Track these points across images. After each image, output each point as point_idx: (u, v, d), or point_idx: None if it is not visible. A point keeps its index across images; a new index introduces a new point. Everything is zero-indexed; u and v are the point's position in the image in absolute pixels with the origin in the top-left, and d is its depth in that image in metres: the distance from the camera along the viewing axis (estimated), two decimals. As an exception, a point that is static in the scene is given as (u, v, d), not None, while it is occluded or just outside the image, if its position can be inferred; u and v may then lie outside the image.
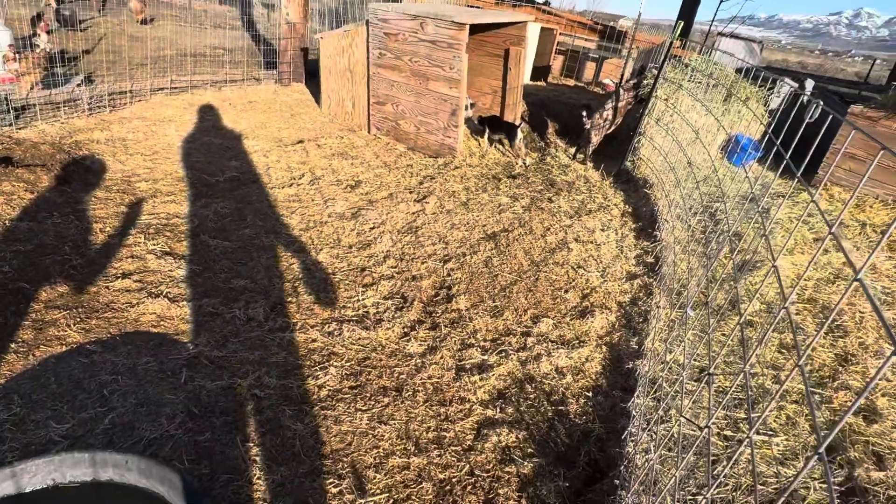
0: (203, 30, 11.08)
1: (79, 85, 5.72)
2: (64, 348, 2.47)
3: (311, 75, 7.68)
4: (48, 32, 6.34)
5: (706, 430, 1.54)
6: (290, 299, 3.10)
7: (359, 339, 2.86)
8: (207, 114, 5.88)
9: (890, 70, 15.73)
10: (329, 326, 2.92)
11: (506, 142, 6.09)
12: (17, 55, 5.22)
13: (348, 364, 2.68)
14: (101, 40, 8.39)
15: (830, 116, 1.46)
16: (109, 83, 5.98)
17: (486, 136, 6.14)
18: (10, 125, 4.53)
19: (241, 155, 5.00)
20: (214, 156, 4.88)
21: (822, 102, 1.71)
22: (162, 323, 2.75)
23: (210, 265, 3.29)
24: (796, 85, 7.46)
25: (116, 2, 12.57)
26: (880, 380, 3.20)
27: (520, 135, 5.90)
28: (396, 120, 5.98)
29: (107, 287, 2.93)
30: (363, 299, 3.20)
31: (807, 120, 1.72)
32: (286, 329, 2.85)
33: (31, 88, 5.24)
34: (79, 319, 2.67)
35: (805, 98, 1.97)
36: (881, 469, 2.51)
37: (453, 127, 5.55)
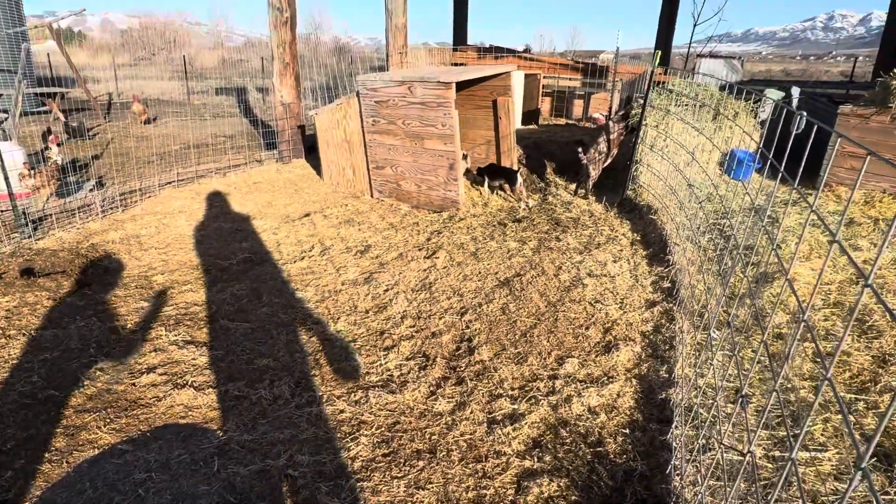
0: (204, 121, 11.58)
1: (91, 190, 5.96)
2: (96, 451, 2.48)
3: (311, 150, 7.94)
4: (58, 145, 6.66)
5: (749, 454, 1.50)
6: (313, 372, 3.11)
7: (386, 404, 2.85)
8: (215, 200, 6.07)
9: (874, 65, 15.92)
10: (355, 395, 2.91)
11: (507, 187, 6.19)
12: (31, 171, 5.47)
13: (378, 431, 2.65)
14: (108, 145, 8.79)
15: (816, 126, 1.50)
16: (119, 184, 6.23)
17: (486, 184, 6.25)
18: (30, 237, 4.70)
19: (251, 235, 5.12)
20: (226, 240, 5.00)
21: (805, 113, 1.75)
22: (190, 413, 2.75)
23: (232, 348, 3.32)
24: (781, 94, 7.57)
25: (120, 107, 13.22)
26: (924, 377, 3.10)
27: (520, 178, 6.01)
28: (397, 181, 6.12)
29: (133, 384, 2.96)
30: (385, 363, 3.19)
31: (794, 132, 1.76)
32: (313, 403, 2.84)
33: (47, 200, 5.46)
34: (109, 420, 2.69)
35: (790, 108, 2.01)
36: (943, 472, 2.40)
37: (453, 181, 5.67)
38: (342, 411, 2.79)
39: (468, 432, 2.65)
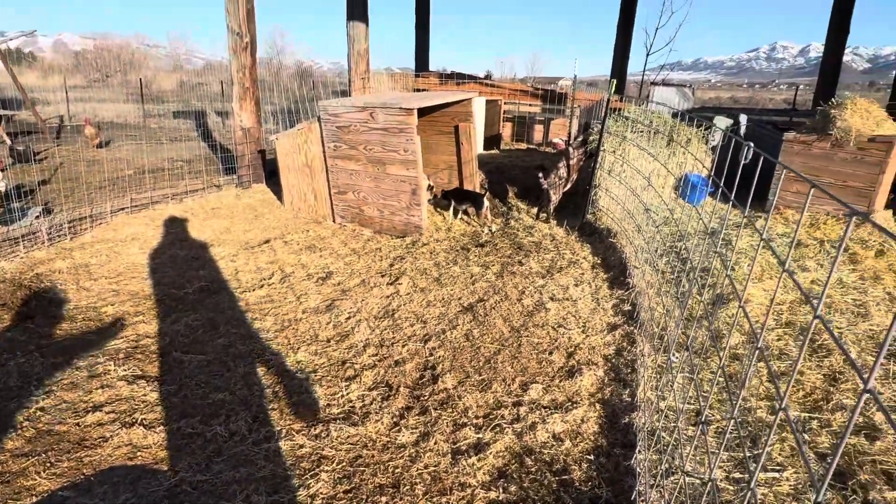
0: (160, 145, 11.31)
1: (37, 217, 5.70)
2: (35, 499, 2.32)
3: (271, 174, 7.83)
4: (2, 170, 6.37)
5: (710, 482, 1.51)
6: (272, 406, 3.00)
7: (348, 437, 2.76)
8: (171, 227, 5.89)
9: (813, 94, 16.87)
10: (315, 429, 2.81)
11: (471, 211, 6.22)
12: (-29, 197, 5.20)
13: (340, 466, 2.57)
14: (57, 170, 8.47)
15: (762, 157, 1.55)
16: (69, 210, 5.98)
17: (451, 209, 6.27)
18: (-33, 268, 4.44)
19: (208, 263, 4.97)
20: (181, 268, 4.84)
21: (752, 144, 1.82)
22: (139, 453, 2.61)
23: (185, 382, 3.18)
24: (730, 122, 7.91)
25: (71, 130, 12.79)
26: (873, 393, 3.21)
27: (485, 203, 6.06)
28: (359, 206, 6.08)
29: (77, 424, 2.80)
30: (347, 394, 3.11)
31: (742, 162, 1.82)
32: (271, 439, 2.73)
33: (-12, 228, 5.19)
34: (49, 464, 2.52)
35: (738, 138, 2.09)
36: (893, 488, 2.47)
37: (416, 206, 5.66)
38: (302, 446, 2.70)
39: (432, 464, 2.60)
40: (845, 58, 15.33)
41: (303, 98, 14.89)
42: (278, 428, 2.82)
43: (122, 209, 6.23)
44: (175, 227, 5.93)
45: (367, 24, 10.11)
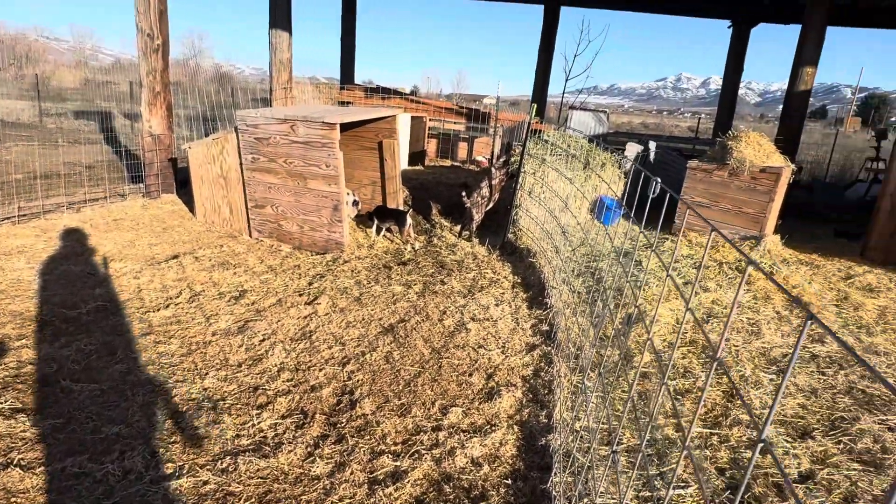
0: (56, 147, 10.40)
1: None
2: None
3: (183, 184, 7.40)
4: None
5: (620, 513, 1.54)
6: (174, 439, 2.78)
7: (257, 470, 2.61)
8: (65, 239, 5.40)
9: (714, 123, 18.30)
10: (222, 462, 2.64)
11: (394, 229, 6.17)
12: None
13: (248, 503, 2.41)
14: (-70, 171, 7.57)
15: (668, 195, 1.62)
16: (-59, 219, 5.34)
17: (374, 226, 6.19)
18: None
19: (106, 280, 4.59)
20: (75, 286, 4.43)
21: (659, 180, 1.91)
22: (13, 500, 2.32)
23: (74, 415, 2.89)
24: (641, 147, 8.40)
25: (-50, 127, 11.53)
26: (764, 409, 3.47)
27: (409, 220, 6.03)
28: (278, 221, 5.87)
29: (-61, 467, 2.46)
30: (258, 423, 2.95)
31: (651, 195, 1.90)
32: (171, 476, 2.53)
33: None
34: None
35: (647, 173, 2.20)
36: (783, 500, 2.65)
37: (337, 222, 5.54)
38: (206, 483, 2.51)
39: (347, 496, 2.50)
40: (740, 91, 16.78)
41: (221, 104, 14.27)
42: (180, 463, 2.62)
43: (8, 218, 5.64)
44: (70, 239, 5.44)
45: (291, 33, 9.87)
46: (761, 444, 0.85)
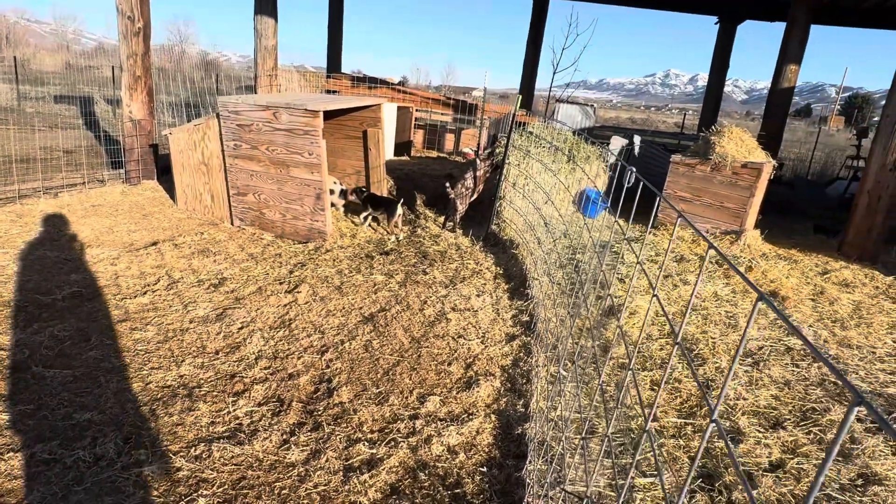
0: (34, 131, 10.19)
1: None
2: None
3: (164, 171, 7.29)
4: None
5: (586, 499, 1.55)
6: (148, 425, 2.76)
7: (232, 457, 2.60)
8: (41, 225, 5.30)
9: (699, 119, 18.44)
10: (196, 449, 2.62)
11: (380, 218, 6.14)
12: None
13: (221, 490, 2.40)
14: None
15: (642, 183, 1.62)
16: (-88, 202, 5.21)
17: (365, 214, 6.16)
18: None
19: (83, 267, 4.52)
20: (50, 272, 4.36)
21: (635, 170, 1.92)
22: (-20, 486, 2.29)
23: (45, 401, 2.85)
24: (626, 142, 8.43)
25: (-76, 109, 11.26)
26: (738, 399, 3.52)
27: (399, 210, 6.01)
28: (260, 209, 5.81)
29: None
30: (234, 410, 2.93)
31: (626, 185, 1.91)
32: (144, 463, 2.50)
33: None
34: None
35: (624, 164, 2.20)
36: (753, 487, 2.70)
37: (320, 210, 5.50)
38: (179, 469, 2.50)
39: (322, 483, 2.50)
40: (726, 88, 16.92)
41: (206, 91, 14.07)
42: (153, 450, 2.60)
43: (-18, 203, 5.53)
44: (47, 224, 5.34)
45: (276, 20, 9.74)
46: (712, 425, 0.86)
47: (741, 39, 15.35)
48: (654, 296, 1.33)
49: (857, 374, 3.83)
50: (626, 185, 1.92)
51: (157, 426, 2.76)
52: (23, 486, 2.31)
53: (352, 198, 6.46)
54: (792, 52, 9.11)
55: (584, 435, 1.82)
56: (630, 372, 1.57)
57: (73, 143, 9.41)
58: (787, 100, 9.64)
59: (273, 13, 9.62)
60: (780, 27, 9.84)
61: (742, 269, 5.76)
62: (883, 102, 6.88)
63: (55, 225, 5.36)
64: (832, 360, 4.04)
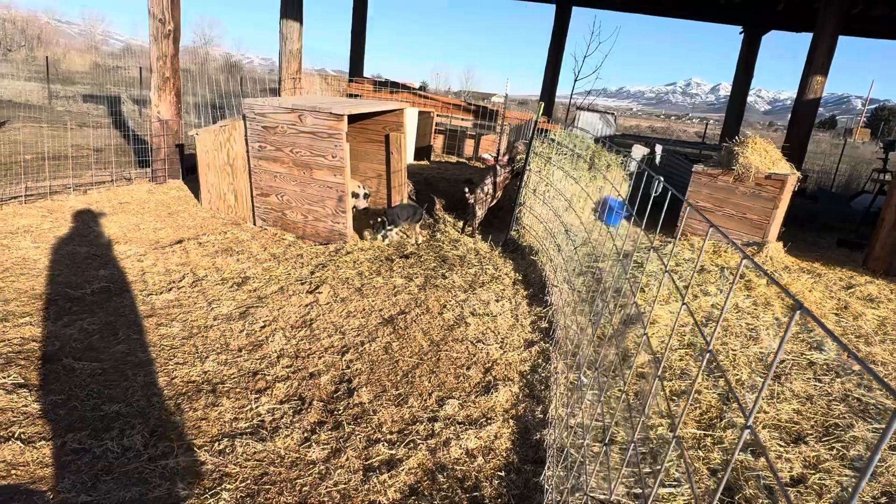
0: (66, 130, 10.44)
1: None
2: None
3: (190, 171, 7.43)
4: None
5: (609, 504, 1.56)
6: (173, 419, 2.82)
7: (254, 453, 2.64)
8: (71, 220, 5.44)
9: (721, 129, 18.28)
10: (219, 444, 2.67)
11: (405, 225, 6.14)
12: None
13: (243, 485, 2.44)
14: (-61, 149, 7.62)
15: (669, 192, 1.63)
16: (-51, 196, 5.38)
17: (382, 232, 5.85)
18: None
19: (111, 262, 4.63)
20: (80, 266, 4.47)
21: (662, 179, 1.93)
22: (13, 472, 2.36)
23: (75, 392, 2.93)
24: (647, 150, 8.39)
25: (-40, 106, 11.59)
26: (759, 413, 3.48)
27: (421, 217, 6.03)
28: (282, 210, 5.89)
29: (-59, 438, 2.50)
30: (257, 407, 2.98)
31: (653, 195, 1.92)
32: (169, 455, 2.56)
33: None
34: None
35: (651, 173, 2.22)
36: (773, 502, 2.67)
37: (341, 213, 5.56)
38: (203, 463, 2.55)
39: (342, 481, 2.53)
40: (749, 98, 16.74)
41: (229, 93, 14.30)
42: (179, 443, 2.65)
43: (15, 198, 5.69)
44: (76, 220, 5.48)
45: (302, 24, 9.88)
46: (747, 431, 0.88)
47: (766, 49, 15.19)
48: (683, 304, 1.34)
49: (881, 390, 3.77)
50: (653, 194, 1.93)
51: (182, 420, 2.82)
52: (54, 474, 2.38)
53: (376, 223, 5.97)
54: (818, 62, 9.00)
55: (605, 441, 1.83)
56: (656, 381, 1.58)
57: (103, 141, 9.63)
58: (812, 111, 9.52)
59: (299, 17, 9.77)
60: (806, 38, 9.74)
61: (764, 283, 5.70)
62: (912, 115, 6.77)
63: (84, 221, 5.49)
64: (856, 376, 3.98)
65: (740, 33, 14.80)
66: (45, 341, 3.36)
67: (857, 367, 4.12)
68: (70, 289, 4.06)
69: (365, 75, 16.30)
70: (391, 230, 5.87)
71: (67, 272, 4.33)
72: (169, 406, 2.92)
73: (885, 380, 3.89)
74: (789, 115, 10.48)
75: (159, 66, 6.99)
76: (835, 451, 3.05)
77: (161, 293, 4.18)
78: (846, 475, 2.88)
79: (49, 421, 2.70)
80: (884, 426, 3.27)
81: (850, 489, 2.79)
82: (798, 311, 0.83)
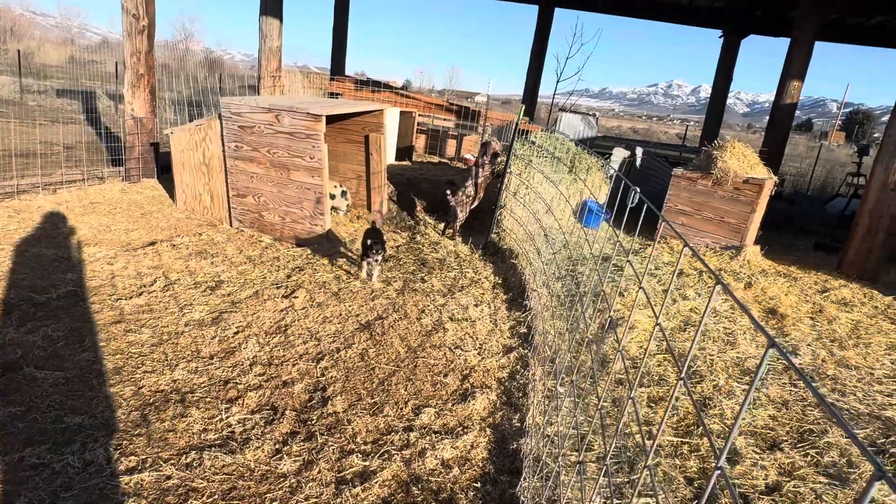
0: (35, 126, 10.15)
1: None
2: None
3: (165, 170, 7.26)
4: None
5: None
6: (138, 431, 2.72)
7: (223, 466, 2.56)
8: (39, 221, 5.27)
9: (701, 132, 18.48)
10: (187, 457, 2.58)
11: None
12: None
13: (210, 500, 2.36)
14: None
15: (645, 205, 1.60)
16: None
17: (365, 266, 4.86)
18: None
19: (79, 265, 4.49)
20: (46, 269, 4.33)
21: (639, 190, 1.90)
22: (-34, 490, 2.25)
23: (36, 403, 2.81)
24: (628, 153, 8.42)
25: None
26: (734, 419, 3.49)
27: (383, 252, 4.78)
28: (259, 211, 5.79)
29: None
30: (227, 417, 2.90)
31: (629, 205, 1.89)
32: (134, 470, 2.47)
33: None
34: None
35: (628, 183, 2.19)
36: (748, 511, 2.67)
37: (319, 215, 5.47)
38: (169, 477, 2.46)
39: (314, 495, 2.47)
40: (728, 101, 16.94)
41: (209, 90, 14.05)
42: (143, 457, 2.56)
43: (-20, 197, 5.49)
44: (44, 221, 5.31)
45: (282, 21, 9.74)
46: (717, 472, 0.84)
47: (744, 52, 15.38)
48: (657, 325, 1.30)
49: (854, 395, 3.81)
50: (629, 206, 1.90)
51: (148, 432, 2.73)
52: (9, 491, 2.27)
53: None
54: (795, 67, 9.12)
55: (580, 456, 1.79)
56: (630, 398, 1.55)
57: (74, 138, 9.39)
58: (789, 115, 9.65)
59: (279, 14, 9.63)
60: (785, 42, 9.86)
61: (741, 286, 5.74)
62: (884, 118, 6.89)
63: (53, 222, 5.33)
64: (830, 380, 4.02)
65: (720, 37, 14.96)
66: (6, 348, 3.23)
67: (830, 372, 4.16)
68: (35, 293, 3.92)
69: (348, 74, 16.16)
70: (378, 256, 4.69)
71: (32, 276, 4.18)
72: (135, 417, 2.82)
73: (858, 385, 3.92)
74: (767, 118, 10.62)
75: (133, 62, 6.82)
76: (809, 458, 3.07)
77: (131, 298, 4.06)
78: (820, 482, 2.89)
79: (6, 434, 2.58)
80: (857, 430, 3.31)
81: (824, 496, 2.80)
82: (771, 349, 0.80)
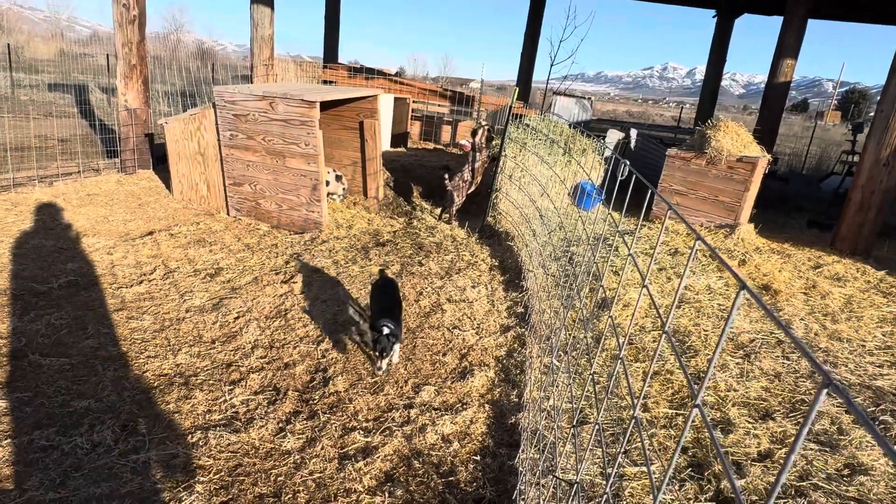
0: (28, 119, 10.12)
1: None
2: None
3: (161, 160, 7.27)
4: None
5: (576, 484, 1.59)
6: (144, 413, 2.78)
7: (228, 444, 2.62)
8: (36, 213, 5.29)
9: (696, 113, 18.47)
10: (192, 437, 2.65)
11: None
12: None
13: (217, 476, 2.43)
14: None
15: (634, 177, 1.64)
16: None
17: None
18: None
19: (79, 255, 4.52)
20: (46, 260, 4.36)
21: (628, 162, 1.94)
22: (-22, 471, 2.31)
23: (42, 389, 2.87)
24: (622, 135, 8.44)
25: (-83, 96, 11.15)
26: (729, 391, 3.56)
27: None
28: (256, 199, 5.81)
29: None
30: (230, 399, 2.96)
31: (619, 178, 1.93)
32: (141, 449, 2.53)
33: None
34: None
35: (619, 157, 2.23)
36: (741, 477, 2.75)
37: (316, 201, 5.50)
38: (176, 456, 2.52)
39: (318, 470, 2.53)
40: (724, 82, 16.93)
41: (202, 80, 13.98)
42: (150, 437, 2.62)
43: (-23, 191, 5.51)
44: (42, 213, 5.33)
45: (273, 9, 9.69)
46: (695, 410, 0.89)
47: (739, 33, 15.35)
48: (644, 286, 1.36)
49: (846, 366, 3.88)
50: (619, 178, 1.94)
51: (153, 414, 2.79)
52: (21, 472, 2.33)
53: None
54: (788, 45, 9.12)
55: (574, 424, 1.85)
56: (620, 362, 1.60)
57: (68, 131, 9.36)
58: (783, 94, 9.66)
59: (270, 1, 9.57)
60: (777, 20, 9.85)
61: (735, 263, 5.80)
62: (879, 98, 6.91)
63: (50, 214, 5.35)
64: (822, 352, 4.09)
65: (713, 17, 14.91)
66: (11, 337, 3.28)
67: (823, 345, 4.23)
68: (36, 283, 3.96)
69: (341, 62, 16.08)
70: (394, 347, 3.26)
71: (33, 266, 4.22)
72: (140, 400, 2.88)
73: (850, 357, 4.00)
74: (761, 100, 10.62)
75: (125, 53, 6.79)
76: (800, 426, 3.14)
77: (131, 286, 4.11)
78: (811, 448, 2.97)
79: (15, 418, 2.64)
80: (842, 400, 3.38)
81: (814, 462, 2.88)
82: (742, 291, 0.85)
